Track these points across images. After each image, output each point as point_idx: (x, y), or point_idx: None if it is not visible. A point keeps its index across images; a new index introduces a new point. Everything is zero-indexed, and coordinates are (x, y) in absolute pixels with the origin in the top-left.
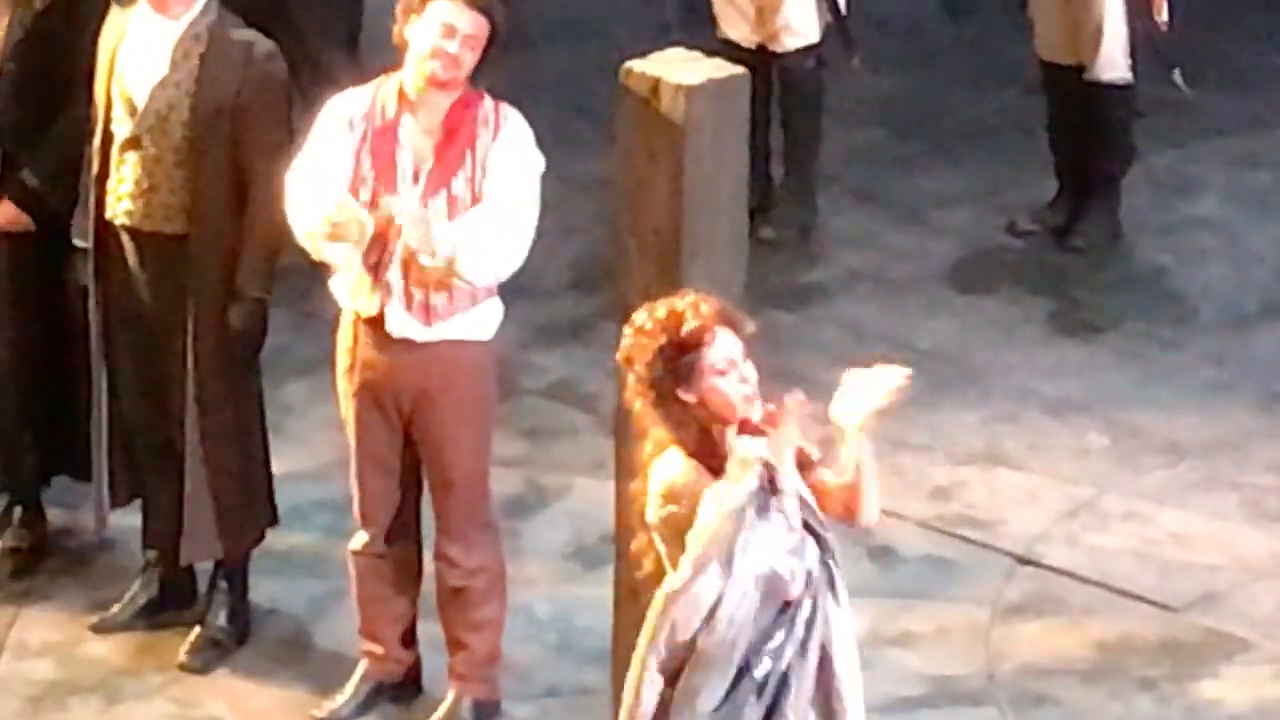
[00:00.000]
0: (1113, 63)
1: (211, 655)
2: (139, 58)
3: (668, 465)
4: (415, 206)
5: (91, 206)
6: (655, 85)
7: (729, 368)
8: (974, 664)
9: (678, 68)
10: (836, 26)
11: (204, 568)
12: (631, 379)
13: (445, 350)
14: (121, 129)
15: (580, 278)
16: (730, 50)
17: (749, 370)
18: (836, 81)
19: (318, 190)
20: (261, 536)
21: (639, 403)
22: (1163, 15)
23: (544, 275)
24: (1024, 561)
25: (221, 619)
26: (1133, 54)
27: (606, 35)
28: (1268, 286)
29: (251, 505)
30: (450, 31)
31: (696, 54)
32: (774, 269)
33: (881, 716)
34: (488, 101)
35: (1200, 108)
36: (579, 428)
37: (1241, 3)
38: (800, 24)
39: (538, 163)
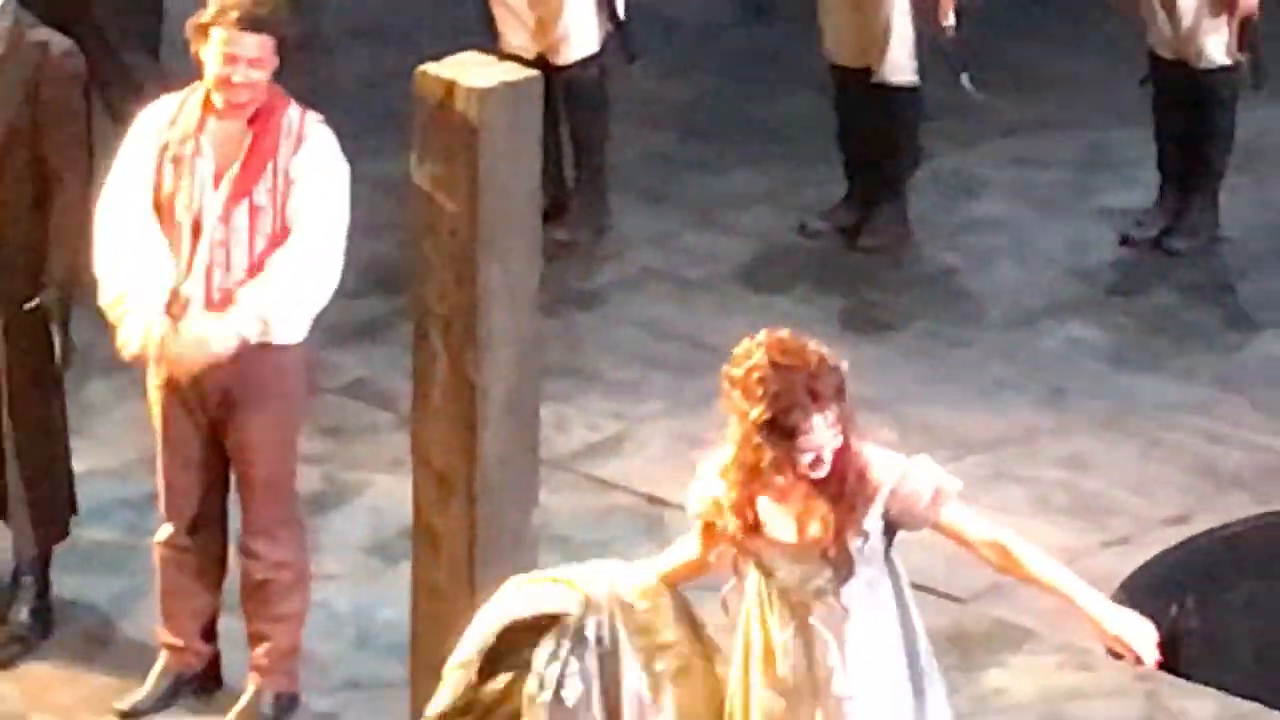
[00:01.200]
0: (899, 66)
1: (15, 650)
2: None
3: (704, 477)
4: (203, 333)
5: None
6: (450, 88)
7: (811, 451)
8: None
9: (472, 71)
10: (616, 33)
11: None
12: (737, 394)
13: (251, 353)
14: None
15: (379, 279)
16: (513, 60)
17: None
18: (628, 85)
19: (120, 233)
20: (66, 532)
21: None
22: (949, 20)
23: (343, 276)
24: None
25: (24, 614)
26: (920, 57)
27: (406, 40)
28: (1054, 285)
29: (55, 500)
30: (232, 60)
31: (491, 58)
32: (569, 269)
33: None
34: (293, 110)
35: (987, 111)
36: (378, 425)
37: (1028, 7)
38: (579, 35)
39: (343, 173)
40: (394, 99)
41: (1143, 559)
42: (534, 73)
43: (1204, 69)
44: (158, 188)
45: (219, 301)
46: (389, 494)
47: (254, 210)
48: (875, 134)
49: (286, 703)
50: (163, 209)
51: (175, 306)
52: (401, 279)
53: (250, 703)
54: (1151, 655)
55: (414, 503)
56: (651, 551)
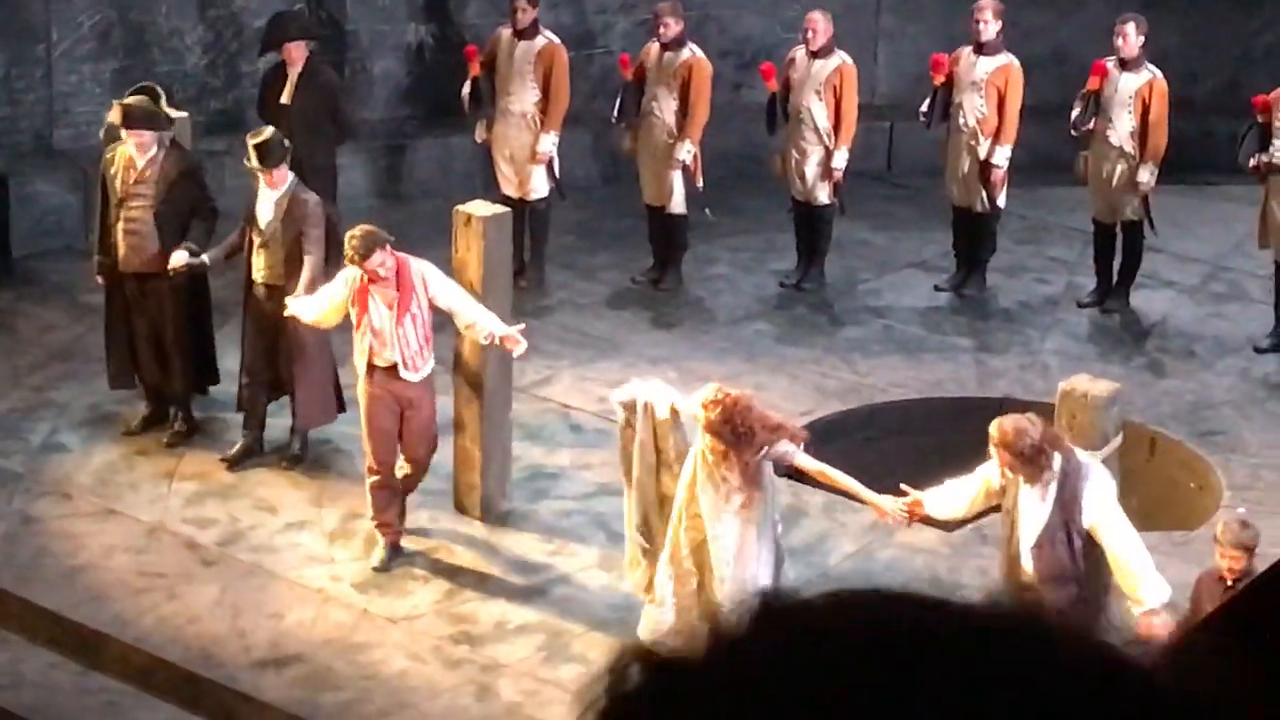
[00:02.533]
0: (678, 204)
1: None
2: None
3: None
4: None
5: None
6: (469, 217)
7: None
8: None
9: (480, 209)
10: (555, 187)
11: None
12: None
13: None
14: None
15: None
16: (505, 200)
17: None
18: (554, 213)
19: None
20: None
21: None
22: (700, 182)
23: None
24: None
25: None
26: (687, 200)
27: (449, 195)
28: (748, 305)
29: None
30: (374, 272)
31: (489, 203)
32: (525, 299)
33: (573, 502)
34: (411, 263)
35: (716, 226)
36: (436, 370)
37: (740, 175)
38: (538, 187)
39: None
40: (446, 222)
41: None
42: (508, 210)
43: (817, 205)
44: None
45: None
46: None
47: (413, 318)
48: (666, 235)
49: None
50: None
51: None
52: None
53: None
54: (901, 518)
55: (454, 405)
56: (564, 432)
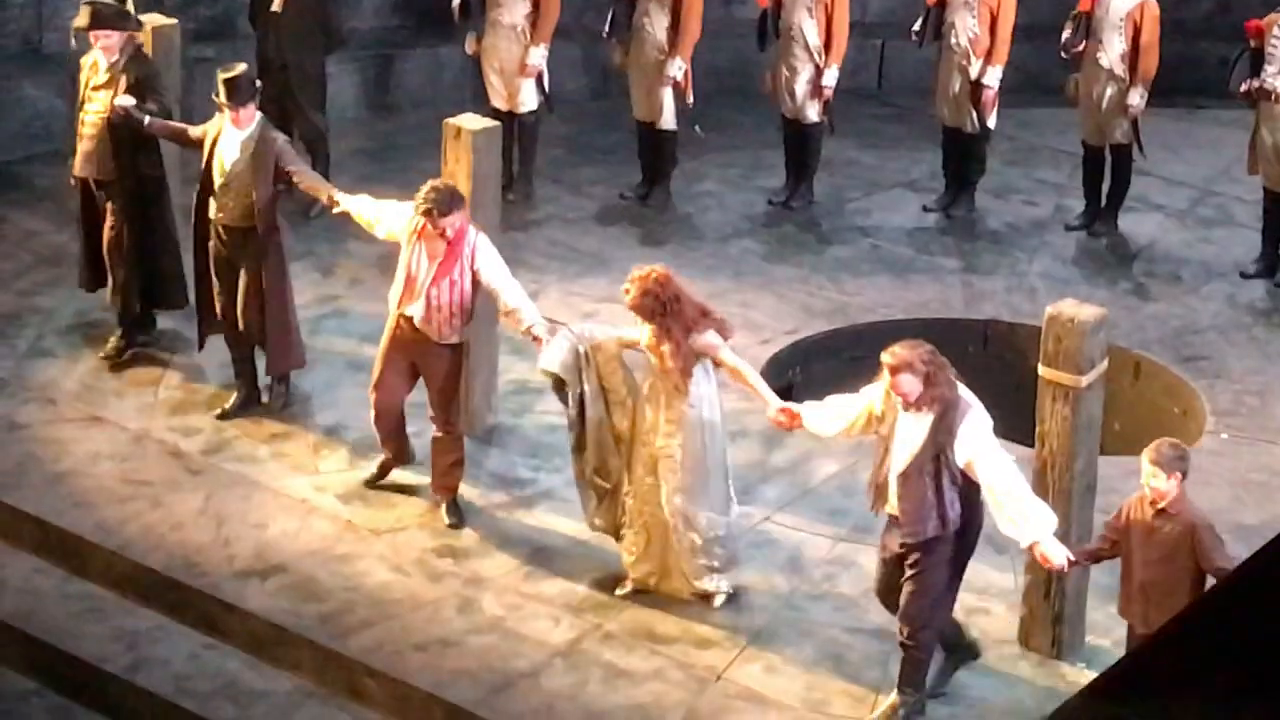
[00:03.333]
0: (668, 120)
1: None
2: None
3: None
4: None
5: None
6: (458, 130)
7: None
8: None
9: (469, 121)
10: (544, 100)
11: None
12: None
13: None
14: None
15: None
16: (495, 113)
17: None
18: (543, 127)
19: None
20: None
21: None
22: (690, 99)
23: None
24: (625, 345)
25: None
26: (677, 117)
27: (439, 106)
28: (736, 222)
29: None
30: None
31: (478, 116)
32: (513, 213)
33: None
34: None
35: (706, 142)
36: None
37: (730, 91)
38: (527, 100)
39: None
40: (435, 135)
41: (777, 349)
42: (497, 123)
43: (806, 124)
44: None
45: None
46: None
47: (451, 284)
48: (656, 152)
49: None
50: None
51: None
52: None
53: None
54: (780, 422)
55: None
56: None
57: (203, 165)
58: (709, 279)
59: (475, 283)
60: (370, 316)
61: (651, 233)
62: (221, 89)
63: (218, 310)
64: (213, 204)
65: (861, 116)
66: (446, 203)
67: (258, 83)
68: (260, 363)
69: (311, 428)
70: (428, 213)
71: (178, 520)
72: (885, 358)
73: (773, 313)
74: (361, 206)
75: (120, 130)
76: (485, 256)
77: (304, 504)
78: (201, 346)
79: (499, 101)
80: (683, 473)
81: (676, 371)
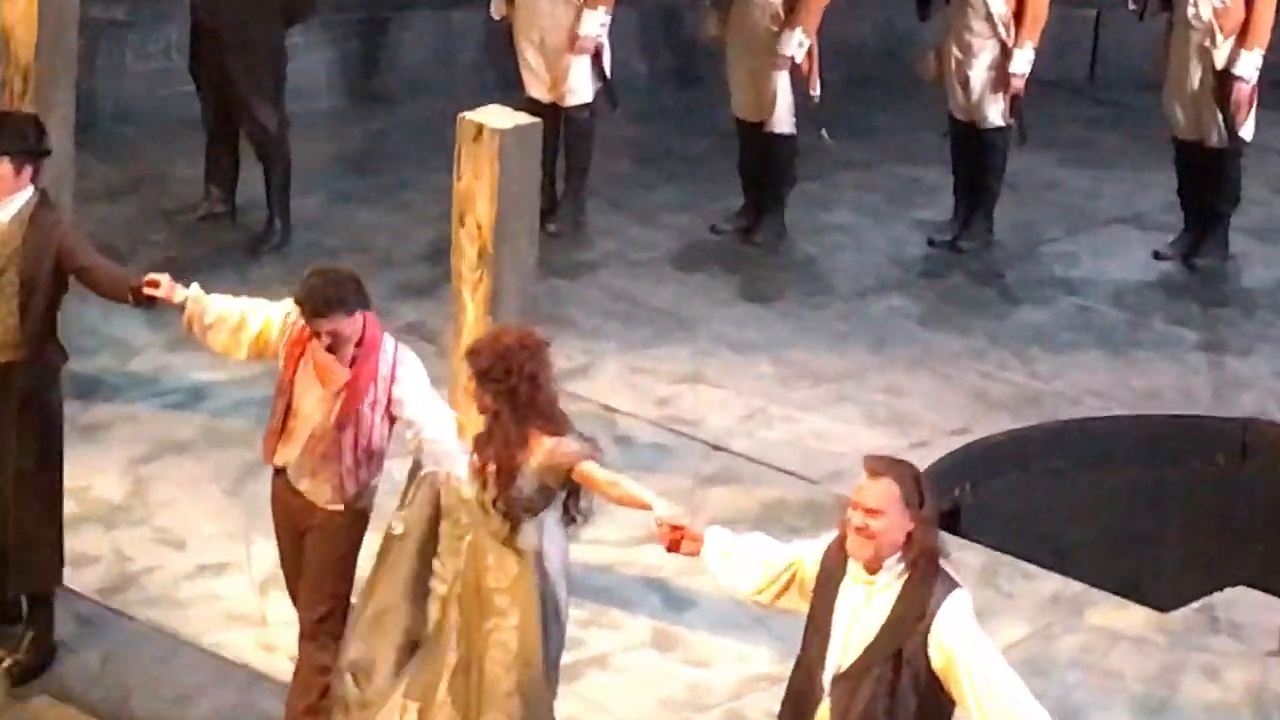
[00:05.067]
0: (782, 121)
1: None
2: None
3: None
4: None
5: None
6: (480, 129)
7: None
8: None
9: (495, 117)
10: (603, 89)
11: None
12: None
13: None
14: None
15: (429, 253)
16: (532, 105)
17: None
18: (601, 126)
19: None
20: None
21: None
22: (815, 91)
23: (403, 251)
24: (716, 448)
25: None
26: (796, 115)
27: (451, 94)
28: (880, 270)
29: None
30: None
31: (508, 109)
32: (556, 251)
33: (616, 550)
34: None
35: (837, 152)
36: (425, 354)
37: (867, 82)
38: (578, 88)
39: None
40: (446, 134)
41: (937, 456)
42: (536, 120)
43: (985, 128)
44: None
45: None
46: None
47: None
48: (764, 164)
49: None
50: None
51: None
52: (443, 254)
53: None
54: (669, 533)
55: (449, 404)
56: (608, 445)
57: None
58: (838, 351)
59: (390, 419)
60: None
61: (756, 283)
62: None
63: None
64: None
65: (1066, 119)
66: (330, 294)
67: (40, 128)
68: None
69: (257, 555)
70: (300, 305)
71: (64, 686)
72: (868, 460)
73: (932, 402)
74: (219, 305)
75: None
76: (410, 383)
77: (245, 670)
78: None
79: (539, 90)
80: (515, 676)
81: (509, 500)
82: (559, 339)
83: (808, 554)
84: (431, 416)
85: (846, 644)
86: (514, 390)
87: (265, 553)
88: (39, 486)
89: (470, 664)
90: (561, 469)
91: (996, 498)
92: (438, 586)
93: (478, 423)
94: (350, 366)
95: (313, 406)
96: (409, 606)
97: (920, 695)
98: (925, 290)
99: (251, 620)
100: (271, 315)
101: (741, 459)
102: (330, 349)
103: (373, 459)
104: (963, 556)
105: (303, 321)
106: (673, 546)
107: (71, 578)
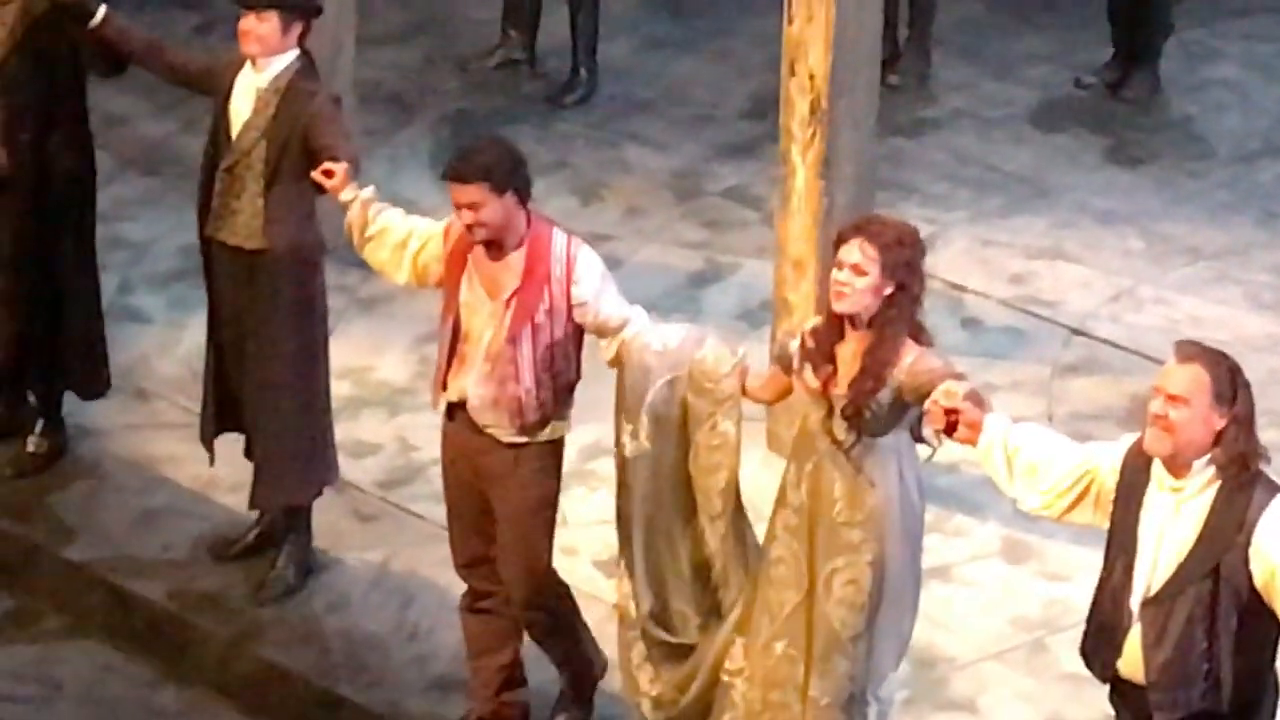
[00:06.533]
0: None
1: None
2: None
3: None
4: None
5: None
6: None
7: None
8: (1038, 408)
9: None
10: None
11: None
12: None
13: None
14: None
15: (752, 108)
16: None
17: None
18: None
19: None
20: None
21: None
22: None
23: (723, 106)
24: (1077, 333)
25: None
26: None
27: None
28: (1270, 133)
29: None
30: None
31: None
32: (898, 107)
33: (964, 447)
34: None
35: None
36: (747, 221)
37: None
38: None
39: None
40: None
41: None
42: None
43: None
44: None
45: None
46: (754, 274)
47: (534, 332)
48: (1136, 10)
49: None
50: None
51: None
52: (769, 109)
53: None
54: (946, 412)
55: (775, 281)
56: (954, 328)
57: (209, 134)
58: (1219, 224)
59: (576, 329)
60: None
61: (1125, 146)
62: None
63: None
64: (213, 209)
65: None
66: (477, 159)
67: None
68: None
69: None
70: (448, 176)
71: (340, 592)
72: (1179, 345)
73: None
74: (386, 218)
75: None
76: (589, 280)
77: None
78: (212, 456)
79: None
80: (864, 618)
81: (865, 421)
82: (900, 207)
83: (1105, 459)
84: (624, 314)
85: (1155, 562)
86: (905, 285)
87: (572, 438)
88: (295, 390)
89: (813, 603)
90: (924, 387)
91: None
92: (787, 517)
93: (809, 323)
94: (525, 265)
95: (484, 323)
96: (681, 529)
97: (1242, 616)
98: None
99: None
100: (435, 230)
101: (1106, 346)
102: (481, 240)
103: (557, 379)
104: None
105: (455, 228)
106: (949, 429)
107: (350, 468)
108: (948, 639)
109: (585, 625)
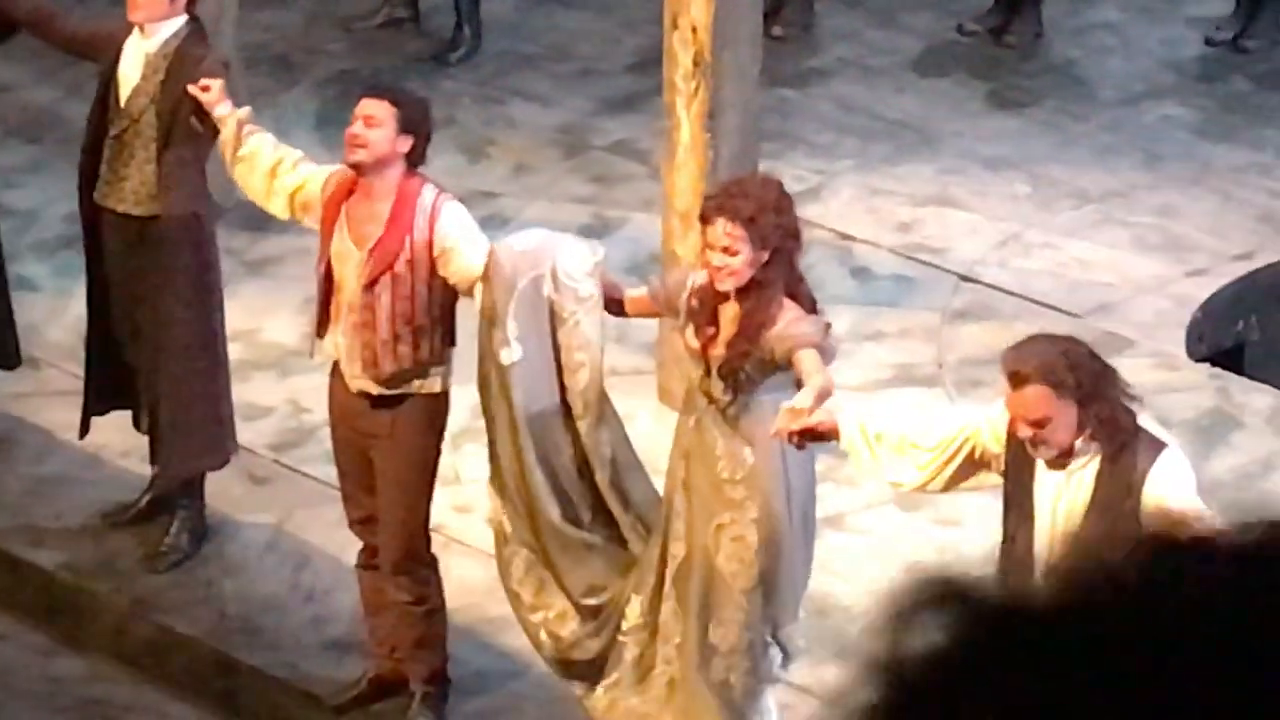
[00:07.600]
0: None
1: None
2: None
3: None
4: None
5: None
6: None
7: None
8: (928, 355)
9: None
10: None
11: None
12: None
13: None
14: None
15: (637, 62)
16: None
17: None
18: None
19: None
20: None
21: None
22: None
23: (608, 60)
24: (966, 279)
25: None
26: None
27: None
28: (1152, 75)
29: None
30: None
31: None
32: (783, 58)
33: (852, 396)
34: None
35: None
36: (633, 175)
37: None
38: None
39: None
40: None
41: (1217, 285)
42: None
43: None
44: None
45: None
46: (642, 228)
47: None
48: None
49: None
50: None
51: None
52: (654, 63)
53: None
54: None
55: (662, 234)
56: (843, 278)
57: (95, 101)
58: (1104, 166)
59: (446, 287)
60: None
61: (1009, 89)
62: None
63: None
64: (101, 176)
65: None
66: (393, 86)
67: None
68: None
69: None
70: (367, 91)
71: (233, 554)
72: (1004, 362)
73: (1212, 224)
74: (258, 141)
75: None
76: (451, 228)
77: (436, 532)
78: (85, 430)
79: None
80: (755, 572)
81: (740, 378)
82: (786, 157)
83: (984, 425)
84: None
85: (1053, 531)
86: (779, 249)
87: (456, 400)
88: (195, 356)
89: (700, 559)
90: (790, 353)
91: None
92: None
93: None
94: (391, 205)
95: (351, 273)
96: (562, 429)
97: None
98: (1203, 97)
99: (443, 478)
100: (318, 172)
101: (995, 291)
102: (352, 162)
103: (418, 333)
104: (1247, 400)
105: (345, 179)
106: (801, 445)
107: (242, 431)
108: (844, 587)
109: (445, 619)
